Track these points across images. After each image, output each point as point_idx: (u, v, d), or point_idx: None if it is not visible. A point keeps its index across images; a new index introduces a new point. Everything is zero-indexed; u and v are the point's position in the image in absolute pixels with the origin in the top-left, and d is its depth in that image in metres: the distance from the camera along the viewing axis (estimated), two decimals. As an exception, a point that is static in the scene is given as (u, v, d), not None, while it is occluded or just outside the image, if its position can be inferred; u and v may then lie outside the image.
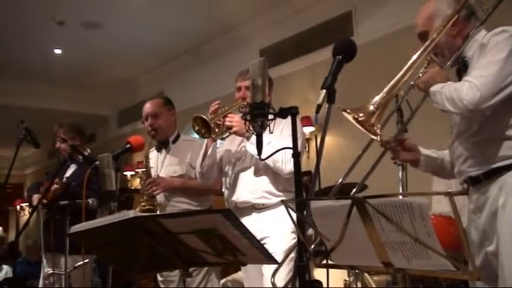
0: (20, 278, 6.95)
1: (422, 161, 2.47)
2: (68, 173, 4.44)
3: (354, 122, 2.14)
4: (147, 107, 3.82)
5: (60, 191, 4.12)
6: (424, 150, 2.50)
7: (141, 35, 7.78)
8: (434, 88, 2.19)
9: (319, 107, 1.91)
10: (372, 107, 2.14)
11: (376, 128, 2.15)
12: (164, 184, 3.62)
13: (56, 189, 4.06)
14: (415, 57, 2.27)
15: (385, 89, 2.20)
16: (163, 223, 1.88)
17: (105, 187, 2.93)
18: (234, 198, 3.23)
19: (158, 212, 3.56)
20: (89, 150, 3.85)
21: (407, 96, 2.38)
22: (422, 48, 2.28)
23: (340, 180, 2.50)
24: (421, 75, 2.29)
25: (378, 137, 2.19)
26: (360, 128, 2.14)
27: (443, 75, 2.24)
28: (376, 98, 2.17)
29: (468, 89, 2.05)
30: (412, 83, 2.30)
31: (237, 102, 3.23)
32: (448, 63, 2.30)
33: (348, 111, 2.14)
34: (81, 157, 3.77)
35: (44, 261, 4.45)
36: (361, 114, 2.13)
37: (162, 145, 3.85)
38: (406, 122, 2.59)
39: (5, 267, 7.96)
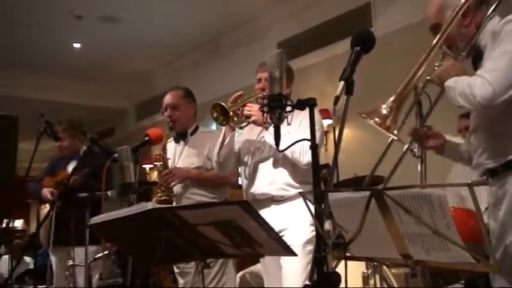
0: (41, 270, 7.03)
1: (447, 148, 2.45)
2: (69, 169, 4.51)
3: (372, 124, 2.13)
4: (167, 98, 3.82)
5: (79, 182, 4.18)
6: (448, 137, 2.48)
7: (158, 29, 7.81)
8: (448, 83, 2.15)
9: (337, 98, 1.90)
10: (385, 111, 2.12)
11: (393, 128, 2.13)
12: (180, 175, 3.63)
13: (75, 179, 4.12)
14: (426, 52, 2.22)
15: (398, 89, 2.17)
16: (182, 215, 1.90)
17: (124, 179, 2.95)
18: (253, 190, 3.22)
19: (174, 203, 3.58)
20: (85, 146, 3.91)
21: (427, 89, 2.34)
22: (433, 43, 2.23)
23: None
24: (436, 68, 2.26)
25: (395, 137, 2.16)
26: (379, 128, 2.13)
27: (457, 68, 2.19)
28: (389, 100, 2.14)
29: (481, 85, 2.00)
30: (428, 77, 2.27)
31: (257, 93, 3.23)
32: (463, 53, 2.25)
33: (364, 115, 2.13)
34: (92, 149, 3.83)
35: (52, 255, 4.54)
36: (376, 119, 2.11)
37: (180, 137, 3.85)
38: (425, 115, 2.56)
39: (27, 259, 8.07)
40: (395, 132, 2.13)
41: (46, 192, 4.54)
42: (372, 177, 2.37)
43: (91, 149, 4.14)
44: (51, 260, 4.62)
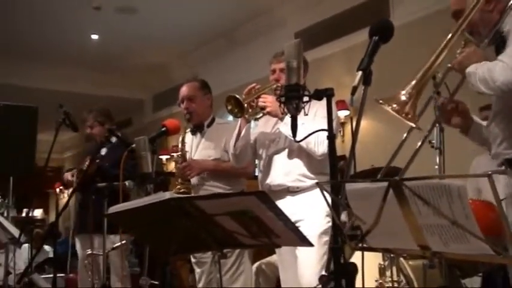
0: (60, 258, 7.14)
1: (472, 128, 2.39)
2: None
3: (390, 111, 2.10)
4: (183, 90, 3.83)
5: (93, 170, 4.20)
6: (476, 118, 2.41)
7: (175, 20, 7.82)
8: (469, 69, 2.11)
9: (354, 89, 1.88)
10: (403, 97, 2.09)
11: (411, 115, 2.10)
12: (198, 167, 3.64)
13: (87, 168, 4.15)
14: (448, 38, 2.18)
15: (418, 76, 2.14)
16: (199, 204, 1.90)
17: (142, 169, 2.97)
18: (269, 181, 3.23)
19: (192, 193, 3.60)
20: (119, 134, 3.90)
21: (446, 79, 2.31)
22: (455, 28, 2.19)
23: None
24: (458, 56, 2.22)
25: (414, 125, 2.13)
26: (397, 116, 2.10)
27: (479, 55, 2.15)
28: (408, 87, 2.12)
29: (501, 69, 1.97)
30: (449, 65, 2.23)
31: (271, 84, 3.23)
32: (486, 40, 2.21)
33: (381, 101, 2.10)
34: (114, 139, 3.83)
35: (78, 242, 4.59)
36: (394, 105, 2.08)
37: (197, 129, 3.86)
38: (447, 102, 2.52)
39: (46, 248, 8.17)
40: (415, 119, 2.10)
41: (67, 175, 4.61)
42: (389, 168, 2.34)
43: (108, 139, 4.16)
44: (76, 246, 4.66)
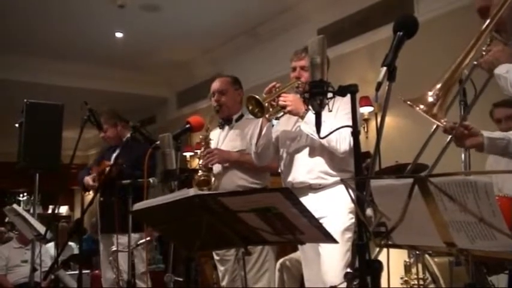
0: (85, 255, 7.21)
1: (486, 145, 2.30)
2: (112, 157, 4.57)
3: (419, 112, 2.07)
4: (215, 83, 3.91)
5: (116, 173, 4.22)
6: (487, 133, 2.34)
7: (199, 17, 7.84)
8: (498, 71, 2.06)
9: (379, 84, 1.86)
10: (431, 98, 2.06)
11: (440, 116, 2.07)
12: (220, 155, 3.66)
13: (109, 170, 4.18)
14: (475, 37, 2.11)
15: (445, 77, 2.09)
16: (223, 201, 1.91)
17: (166, 166, 2.99)
18: (291, 179, 3.23)
19: (213, 180, 3.62)
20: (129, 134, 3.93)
21: (472, 76, 2.26)
22: (483, 27, 2.12)
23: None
24: (484, 53, 2.17)
25: (442, 124, 2.09)
26: (425, 116, 2.06)
27: (508, 54, 2.10)
28: (436, 88, 2.07)
29: None
30: (475, 63, 2.17)
31: (292, 82, 3.22)
32: None
33: (408, 102, 2.07)
34: (134, 137, 3.86)
35: (101, 242, 4.65)
36: (421, 106, 2.05)
37: (226, 122, 3.92)
38: (470, 104, 2.48)
39: (72, 244, 8.26)
40: (442, 121, 2.06)
41: (88, 179, 4.65)
42: (414, 165, 2.32)
43: (133, 136, 4.18)
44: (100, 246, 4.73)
